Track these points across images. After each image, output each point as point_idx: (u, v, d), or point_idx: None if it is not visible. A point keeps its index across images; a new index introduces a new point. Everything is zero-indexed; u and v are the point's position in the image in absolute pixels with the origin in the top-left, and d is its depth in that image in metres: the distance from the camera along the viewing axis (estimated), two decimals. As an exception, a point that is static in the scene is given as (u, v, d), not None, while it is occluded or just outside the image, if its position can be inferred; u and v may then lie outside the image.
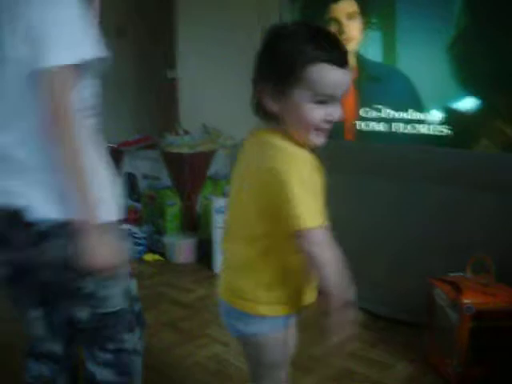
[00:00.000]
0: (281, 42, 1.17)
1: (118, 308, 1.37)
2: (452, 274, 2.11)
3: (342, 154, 2.54)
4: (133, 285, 1.47)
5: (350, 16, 2.65)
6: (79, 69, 1.18)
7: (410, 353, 2.21)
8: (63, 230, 1.22)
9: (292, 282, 1.29)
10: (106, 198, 1.28)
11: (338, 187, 2.60)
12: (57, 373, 1.49)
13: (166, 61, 4.55)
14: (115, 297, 1.35)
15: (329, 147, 1.24)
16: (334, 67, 1.13)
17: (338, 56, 1.15)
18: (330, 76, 1.14)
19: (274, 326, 1.31)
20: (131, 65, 4.77)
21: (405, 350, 2.23)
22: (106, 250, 1.23)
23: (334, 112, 1.18)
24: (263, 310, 1.28)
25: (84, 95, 1.26)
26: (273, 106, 1.19)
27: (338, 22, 2.67)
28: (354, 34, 2.65)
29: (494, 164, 2.18)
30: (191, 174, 3.45)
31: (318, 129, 1.19)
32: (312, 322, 2.39)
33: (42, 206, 1.22)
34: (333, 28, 2.61)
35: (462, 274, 2.09)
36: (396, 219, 2.49)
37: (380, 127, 2.58)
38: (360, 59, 2.62)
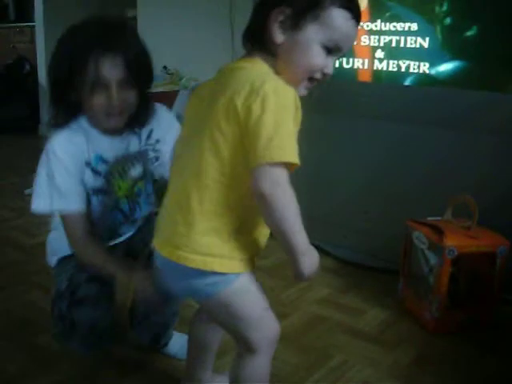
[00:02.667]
0: None
1: None
2: (431, 218, 2.02)
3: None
4: None
5: None
6: None
7: (384, 299, 2.13)
8: None
9: (252, 229, 1.14)
10: None
11: (322, 127, 2.53)
12: None
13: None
14: None
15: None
16: (354, 20, 1.11)
17: (359, 11, 1.12)
18: (348, 26, 1.10)
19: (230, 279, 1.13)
20: (88, 2, 4.53)
21: (378, 296, 2.15)
22: None
23: (330, 66, 1.12)
24: (227, 266, 1.11)
25: None
26: (278, 35, 1.08)
27: None
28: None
29: (490, 106, 2.07)
30: (152, 114, 3.25)
31: (311, 77, 1.12)
32: (278, 268, 2.36)
33: None
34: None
35: (440, 218, 2.01)
36: (385, 164, 2.38)
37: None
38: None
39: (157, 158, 1.58)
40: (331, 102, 2.45)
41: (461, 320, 1.91)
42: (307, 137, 2.35)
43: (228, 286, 1.12)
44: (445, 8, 2.14)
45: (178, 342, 1.71)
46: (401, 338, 1.87)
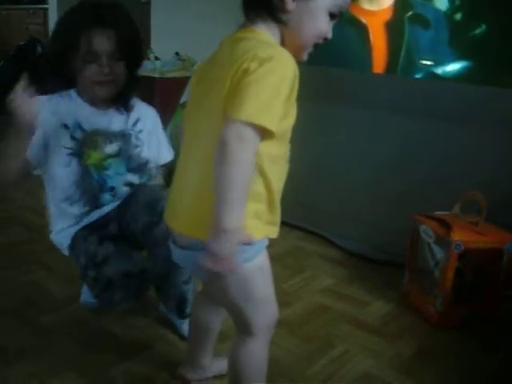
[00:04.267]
0: None
1: None
2: (439, 213, 2.01)
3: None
4: None
5: None
6: None
7: (387, 291, 2.13)
8: None
9: (272, 195, 1.12)
10: None
11: (339, 119, 2.52)
12: None
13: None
14: None
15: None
16: None
17: None
18: None
19: (259, 249, 1.15)
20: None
21: (382, 289, 2.15)
22: None
23: (331, 31, 1.13)
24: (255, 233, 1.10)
25: None
26: (289, 3, 1.07)
27: None
28: None
29: (503, 100, 2.05)
30: (162, 99, 3.24)
31: (314, 43, 1.13)
32: (282, 257, 2.35)
33: None
34: None
35: (448, 212, 2.00)
36: (393, 157, 2.37)
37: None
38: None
39: (136, 146, 1.68)
40: (341, 93, 2.45)
41: (465, 315, 1.90)
42: (315, 129, 2.38)
43: (255, 255, 1.12)
44: (457, 3, 2.14)
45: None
46: (403, 331, 1.87)
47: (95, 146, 1.60)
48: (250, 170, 1.00)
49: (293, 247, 2.48)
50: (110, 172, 1.63)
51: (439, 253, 1.89)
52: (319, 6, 1.08)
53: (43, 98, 1.54)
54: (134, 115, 1.69)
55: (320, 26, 1.10)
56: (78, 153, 1.59)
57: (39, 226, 2.55)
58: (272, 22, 1.10)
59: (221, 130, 0.98)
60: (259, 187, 1.08)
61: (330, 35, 1.13)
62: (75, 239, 1.63)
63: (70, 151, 1.58)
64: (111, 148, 1.62)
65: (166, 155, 1.79)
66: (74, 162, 1.59)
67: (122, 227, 1.65)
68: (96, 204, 1.64)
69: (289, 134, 1.12)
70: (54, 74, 1.63)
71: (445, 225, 1.90)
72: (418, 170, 2.30)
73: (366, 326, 1.88)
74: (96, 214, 1.65)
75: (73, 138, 1.58)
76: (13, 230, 2.58)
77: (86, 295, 1.87)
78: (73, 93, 1.62)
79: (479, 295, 1.94)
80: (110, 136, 1.63)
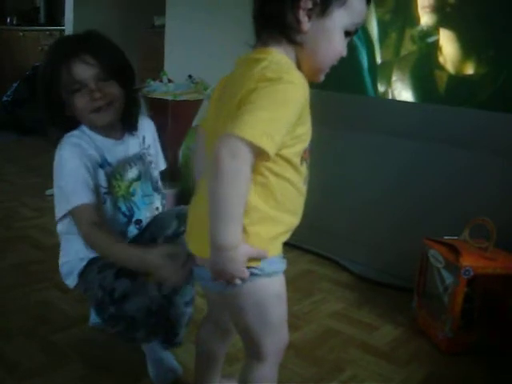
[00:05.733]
0: None
1: None
2: (448, 238, 2.02)
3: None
4: None
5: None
6: None
7: (397, 316, 2.13)
8: None
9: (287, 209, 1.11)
10: None
11: (348, 143, 2.54)
12: None
13: (154, 7, 4.37)
14: None
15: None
16: (366, 1, 1.10)
17: None
18: (364, 7, 1.10)
19: (278, 265, 1.15)
20: (117, 9, 4.58)
21: (391, 313, 2.15)
22: None
23: (346, 48, 1.11)
24: (271, 249, 1.10)
25: None
26: (305, 23, 1.05)
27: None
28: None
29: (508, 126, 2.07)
30: (175, 122, 3.28)
31: (331, 64, 1.11)
32: (292, 281, 2.36)
33: None
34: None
35: (457, 238, 2.01)
36: (400, 181, 2.39)
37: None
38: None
39: (151, 162, 1.70)
40: (348, 116, 2.48)
41: (474, 341, 1.90)
42: (325, 153, 2.40)
43: (271, 269, 1.11)
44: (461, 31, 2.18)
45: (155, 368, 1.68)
46: (412, 356, 1.87)
47: (122, 176, 1.60)
48: (243, 185, 0.97)
49: (304, 271, 2.48)
50: (136, 198, 1.62)
51: (448, 278, 1.90)
52: (336, 26, 1.06)
53: (64, 146, 1.53)
54: (140, 134, 1.68)
55: (336, 46, 1.08)
56: (110, 188, 1.57)
57: (50, 246, 2.58)
58: (286, 43, 1.08)
59: (215, 144, 0.96)
60: (270, 210, 1.08)
61: (345, 53, 1.11)
62: (87, 267, 1.58)
63: (105, 190, 1.56)
64: (132, 173, 1.62)
65: (162, 164, 1.78)
66: (109, 199, 1.57)
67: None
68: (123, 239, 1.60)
69: (299, 158, 1.09)
70: (54, 121, 1.60)
71: (454, 250, 1.91)
72: (425, 194, 2.31)
73: (374, 351, 1.88)
74: None
75: (106, 174, 1.56)
76: (24, 248, 2.60)
77: (95, 317, 1.85)
78: (85, 129, 1.58)
79: (489, 321, 1.93)
80: (129, 161, 1.63)
